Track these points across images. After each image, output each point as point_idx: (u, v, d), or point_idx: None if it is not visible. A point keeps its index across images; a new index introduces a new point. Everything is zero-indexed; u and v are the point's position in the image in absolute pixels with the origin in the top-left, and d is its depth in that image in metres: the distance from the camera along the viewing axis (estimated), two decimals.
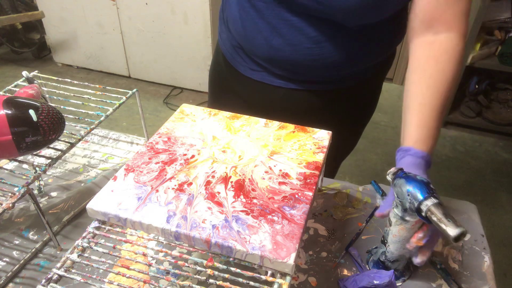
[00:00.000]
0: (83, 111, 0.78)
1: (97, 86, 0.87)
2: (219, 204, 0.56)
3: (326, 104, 0.88)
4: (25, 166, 0.94)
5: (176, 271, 0.53)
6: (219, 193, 0.58)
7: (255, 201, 0.57)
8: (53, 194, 0.87)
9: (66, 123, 0.67)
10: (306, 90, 0.85)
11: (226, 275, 0.51)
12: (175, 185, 0.59)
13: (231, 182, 0.60)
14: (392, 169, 0.61)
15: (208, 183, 0.60)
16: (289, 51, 0.77)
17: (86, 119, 0.77)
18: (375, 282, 0.62)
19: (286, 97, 0.87)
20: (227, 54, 0.91)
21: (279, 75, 0.84)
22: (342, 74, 0.83)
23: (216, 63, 0.99)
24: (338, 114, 0.91)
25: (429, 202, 0.55)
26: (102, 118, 0.76)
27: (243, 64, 0.88)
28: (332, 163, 1.04)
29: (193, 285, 0.50)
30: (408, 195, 0.57)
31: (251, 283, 0.50)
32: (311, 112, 0.88)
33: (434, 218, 0.54)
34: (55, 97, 0.88)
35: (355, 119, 0.98)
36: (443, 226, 0.53)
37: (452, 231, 0.52)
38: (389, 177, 0.62)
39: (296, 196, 0.58)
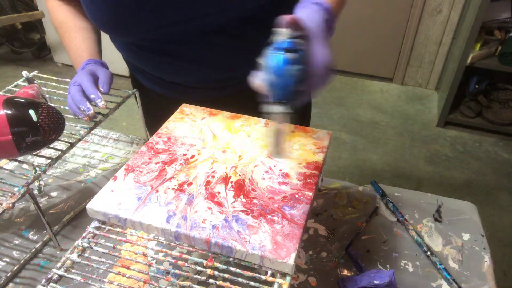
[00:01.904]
0: None
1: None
2: (219, 204, 0.56)
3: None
4: (25, 166, 0.94)
5: (176, 271, 0.53)
6: (219, 193, 0.58)
7: (255, 201, 0.57)
8: (53, 194, 0.87)
9: (66, 123, 0.67)
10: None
11: (226, 275, 0.51)
12: (175, 185, 0.59)
13: (231, 182, 0.60)
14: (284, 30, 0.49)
15: (208, 183, 0.60)
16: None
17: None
18: (375, 282, 0.62)
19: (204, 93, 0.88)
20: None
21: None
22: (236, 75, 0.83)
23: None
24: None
25: (280, 109, 0.48)
26: (101, 118, 0.76)
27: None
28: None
29: (193, 285, 0.50)
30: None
31: (251, 283, 0.50)
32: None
33: (273, 128, 0.48)
34: (55, 97, 0.88)
35: None
36: (271, 140, 0.49)
37: (272, 153, 0.48)
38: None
39: (296, 196, 0.58)
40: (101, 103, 0.70)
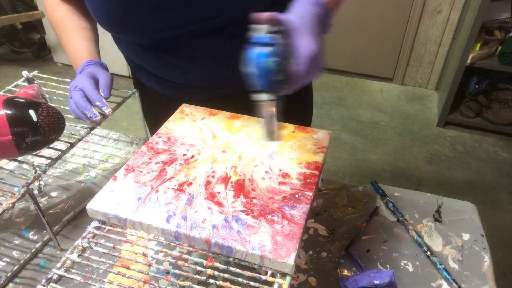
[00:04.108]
0: None
1: None
2: (219, 204, 0.56)
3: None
4: (25, 166, 0.94)
5: (176, 271, 0.53)
6: (219, 193, 0.58)
7: (255, 201, 0.57)
8: (53, 194, 0.87)
9: (66, 123, 0.67)
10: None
11: (226, 275, 0.51)
12: (175, 185, 0.59)
13: (231, 182, 0.60)
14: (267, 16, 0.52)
15: (208, 183, 0.60)
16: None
17: None
18: (375, 282, 0.62)
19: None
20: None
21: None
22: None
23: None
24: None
25: (264, 97, 0.52)
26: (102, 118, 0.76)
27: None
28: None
29: (193, 285, 0.50)
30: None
31: (251, 283, 0.50)
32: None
33: (263, 113, 0.53)
34: (55, 97, 0.88)
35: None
36: (264, 123, 0.53)
37: (264, 136, 0.53)
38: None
39: (296, 196, 0.58)
40: (107, 110, 0.71)
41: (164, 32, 0.73)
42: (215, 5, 0.69)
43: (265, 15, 0.51)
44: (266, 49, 0.51)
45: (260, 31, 0.52)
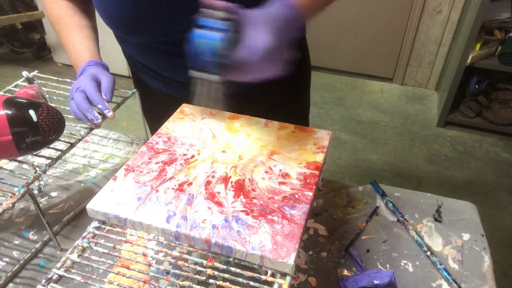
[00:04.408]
0: None
1: None
2: (219, 204, 0.56)
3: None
4: (25, 166, 0.94)
5: (176, 271, 0.53)
6: (219, 193, 0.58)
7: (255, 201, 0.57)
8: (53, 194, 0.87)
9: (66, 123, 0.67)
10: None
11: (226, 275, 0.51)
12: (175, 185, 0.59)
13: (231, 182, 0.60)
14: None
15: (208, 183, 0.60)
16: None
17: None
18: (375, 282, 0.62)
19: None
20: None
21: None
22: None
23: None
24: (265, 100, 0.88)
25: (203, 75, 0.57)
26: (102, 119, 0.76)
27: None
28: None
29: (193, 285, 0.50)
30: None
31: (251, 283, 0.50)
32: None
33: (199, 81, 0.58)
34: (55, 97, 0.88)
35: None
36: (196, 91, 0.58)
37: (195, 102, 0.59)
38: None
39: (296, 196, 0.58)
40: (109, 114, 0.71)
41: (175, 34, 0.73)
42: None
43: (221, 3, 0.55)
44: (214, 34, 0.55)
45: (212, 16, 0.55)
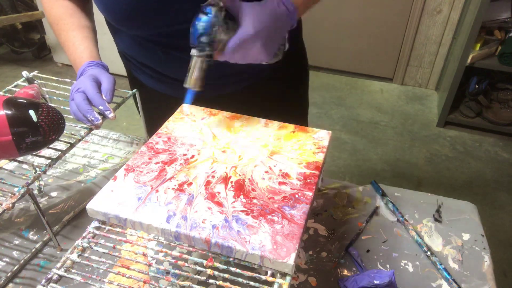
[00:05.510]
0: None
1: None
2: (219, 204, 0.56)
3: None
4: (25, 166, 0.94)
5: (176, 271, 0.53)
6: (219, 193, 0.58)
7: (255, 201, 0.57)
8: (53, 194, 0.87)
9: (66, 123, 0.67)
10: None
11: (226, 275, 0.51)
12: (175, 185, 0.59)
13: (231, 182, 0.60)
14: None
15: (208, 183, 0.60)
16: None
17: None
18: (375, 282, 0.62)
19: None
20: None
21: None
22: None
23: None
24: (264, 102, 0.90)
25: (194, 52, 0.66)
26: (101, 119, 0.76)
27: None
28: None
29: (193, 285, 0.50)
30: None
31: (251, 283, 0.50)
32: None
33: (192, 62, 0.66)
34: (55, 97, 0.88)
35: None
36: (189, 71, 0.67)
37: (185, 82, 0.67)
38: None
39: (296, 196, 0.58)
40: (110, 115, 0.71)
41: (176, 26, 0.73)
42: None
43: None
44: (203, 16, 0.64)
45: (206, 3, 0.65)
